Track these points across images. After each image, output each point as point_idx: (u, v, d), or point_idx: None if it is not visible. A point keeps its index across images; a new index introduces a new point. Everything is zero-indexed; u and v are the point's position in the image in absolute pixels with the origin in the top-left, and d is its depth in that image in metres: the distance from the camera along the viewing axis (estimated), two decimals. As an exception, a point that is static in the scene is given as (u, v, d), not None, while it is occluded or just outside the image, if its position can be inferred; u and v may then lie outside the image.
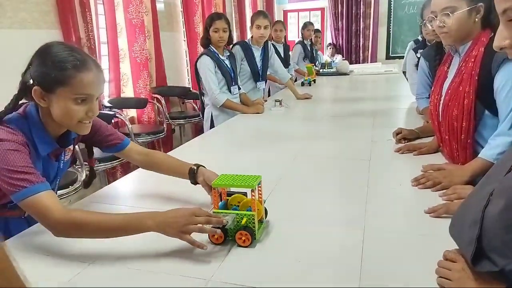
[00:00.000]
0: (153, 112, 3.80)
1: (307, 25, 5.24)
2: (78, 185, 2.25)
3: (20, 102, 1.04)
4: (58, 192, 1.65)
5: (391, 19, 7.13)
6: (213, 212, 0.98)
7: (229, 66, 2.81)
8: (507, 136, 1.19)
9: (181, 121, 4.06)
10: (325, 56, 6.86)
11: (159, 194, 1.31)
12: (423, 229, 1.02)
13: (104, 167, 2.67)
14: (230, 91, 2.81)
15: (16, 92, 1.02)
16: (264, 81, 3.41)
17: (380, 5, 7.14)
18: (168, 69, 4.02)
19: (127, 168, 3.26)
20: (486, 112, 1.28)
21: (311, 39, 5.41)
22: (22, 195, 0.90)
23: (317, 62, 5.55)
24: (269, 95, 4.33)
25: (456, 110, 1.33)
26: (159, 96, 3.81)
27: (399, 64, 5.25)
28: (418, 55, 2.31)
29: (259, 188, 1.02)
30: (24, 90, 1.00)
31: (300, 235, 1.01)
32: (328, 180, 1.44)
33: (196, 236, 0.92)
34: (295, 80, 4.66)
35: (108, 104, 3.23)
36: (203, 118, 2.94)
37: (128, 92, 3.61)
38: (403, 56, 4.55)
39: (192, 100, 4.31)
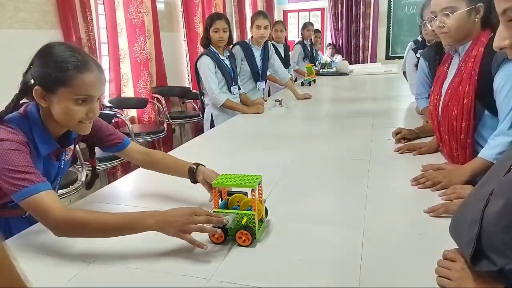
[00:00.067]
0: (153, 112, 3.81)
1: (307, 25, 5.25)
2: (78, 185, 2.25)
3: (21, 101, 1.04)
4: (59, 191, 1.64)
5: (391, 19, 7.13)
6: (214, 211, 0.99)
7: (229, 66, 2.82)
8: (506, 136, 1.20)
9: (181, 121, 4.06)
10: (325, 56, 6.86)
11: (160, 194, 1.31)
12: (422, 228, 1.02)
13: (104, 167, 2.67)
14: (230, 91, 2.81)
15: (17, 92, 1.02)
16: (264, 81, 3.41)
17: (380, 5, 7.14)
18: (168, 69, 4.02)
19: (127, 167, 3.27)
20: (486, 112, 1.29)
21: (311, 39, 5.41)
22: (22, 195, 0.90)
23: (317, 62, 5.55)
24: (269, 95, 4.33)
25: (456, 110, 1.33)
26: (159, 96, 3.81)
27: (398, 64, 5.24)
28: (418, 55, 2.31)
29: (260, 188, 1.02)
30: (25, 90, 1.01)
31: (300, 234, 1.01)
32: (328, 180, 1.44)
33: (196, 236, 0.92)
34: (295, 80, 4.67)
35: (109, 104, 3.23)
36: (203, 118, 2.94)
37: (128, 92, 3.61)
38: (403, 56, 4.54)
39: (192, 100, 4.32)
